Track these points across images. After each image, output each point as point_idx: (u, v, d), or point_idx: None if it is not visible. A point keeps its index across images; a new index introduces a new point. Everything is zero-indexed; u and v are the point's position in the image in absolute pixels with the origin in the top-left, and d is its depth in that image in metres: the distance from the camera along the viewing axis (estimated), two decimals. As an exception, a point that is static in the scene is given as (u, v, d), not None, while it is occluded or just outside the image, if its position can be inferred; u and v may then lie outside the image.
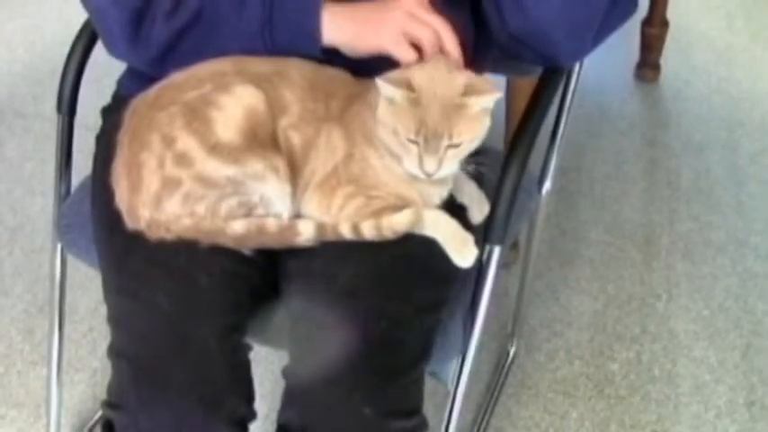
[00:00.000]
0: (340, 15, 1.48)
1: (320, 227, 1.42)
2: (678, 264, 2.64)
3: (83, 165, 1.74)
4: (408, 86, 1.36)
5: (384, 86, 1.36)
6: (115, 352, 1.44)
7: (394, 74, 1.39)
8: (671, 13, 3.36)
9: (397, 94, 1.35)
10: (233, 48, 1.50)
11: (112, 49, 1.59)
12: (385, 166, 1.43)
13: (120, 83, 1.74)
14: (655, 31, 3.38)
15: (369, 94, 1.44)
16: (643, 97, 3.40)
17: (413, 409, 1.44)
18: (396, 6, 1.47)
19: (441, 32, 1.46)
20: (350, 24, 1.48)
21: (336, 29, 1.48)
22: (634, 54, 3.46)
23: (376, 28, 1.47)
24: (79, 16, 1.67)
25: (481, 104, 1.37)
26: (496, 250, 1.55)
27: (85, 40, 1.74)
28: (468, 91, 1.36)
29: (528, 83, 1.70)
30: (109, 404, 1.44)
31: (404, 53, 1.44)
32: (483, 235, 1.53)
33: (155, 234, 1.41)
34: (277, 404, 1.44)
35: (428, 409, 1.47)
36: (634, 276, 2.59)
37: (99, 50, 1.65)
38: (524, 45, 1.55)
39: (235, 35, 1.50)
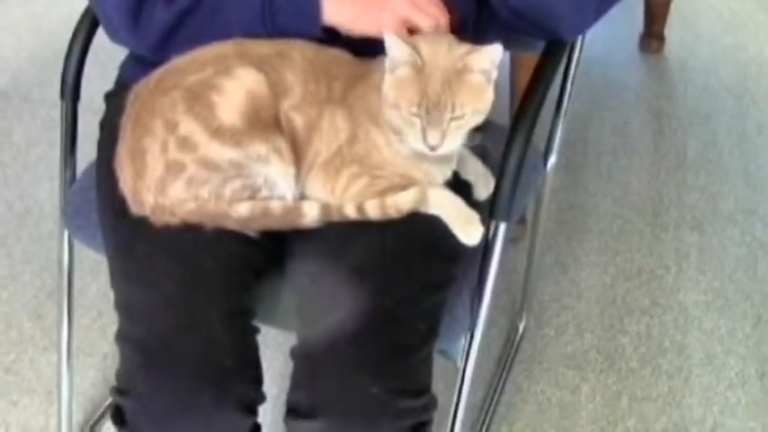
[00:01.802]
0: None
1: (325, 208, 1.42)
2: (687, 235, 2.64)
3: (89, 150, 1.73)
4: (417, 50, 1.35)
5: (395, 42, 1.34)
6: (122, 337, 1.44)
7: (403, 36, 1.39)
8: (675, -17, 3.36)
9: (406, 53, 1.34)
10: (234, 32, 1.49)
11: (113, 35, 1.59)
12: (390, 146, 1.43)
13: (123, 68, 1.73)
14: (659, 0, 3.36)
15: (372, 75, 1.43)
16: (648, 68, 3.38)
17: (421, 388, 1.44)
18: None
19: (440, 23, 1.46)
20: (350, 6, 1.48)
21: (336, 10, 1.47)
22: (638, 25, 3.44)
23: (376, 12, 1.47)
24: (85, 2, 1.67)
25: (481, 62, 1.35)
26: (502, 227, 1.54)
27: (87, 26, 1.72)
28: (468, 52, 1.36)
29: (532, 58, 1.69)
30: (117, 390, 1.44)
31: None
32: (489, 211, 1.53)
33: (159, 219, 1.41)
34: (287, 384, 1.44)
35: (438, 386, 1.47)
36: (643, 248, 2.59)
37: (104, 35, 1.65)
38: (526, 19, 1.54)
39: (235, 19, 1.50)
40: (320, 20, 1.48)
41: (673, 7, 3.39)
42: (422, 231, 1.44)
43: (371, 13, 1.47)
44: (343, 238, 1.43)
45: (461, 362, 1.60)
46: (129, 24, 1.54)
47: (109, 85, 1.74)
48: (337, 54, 1.49)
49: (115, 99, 1.64)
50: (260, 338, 1.48)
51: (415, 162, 1.43)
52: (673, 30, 3.47)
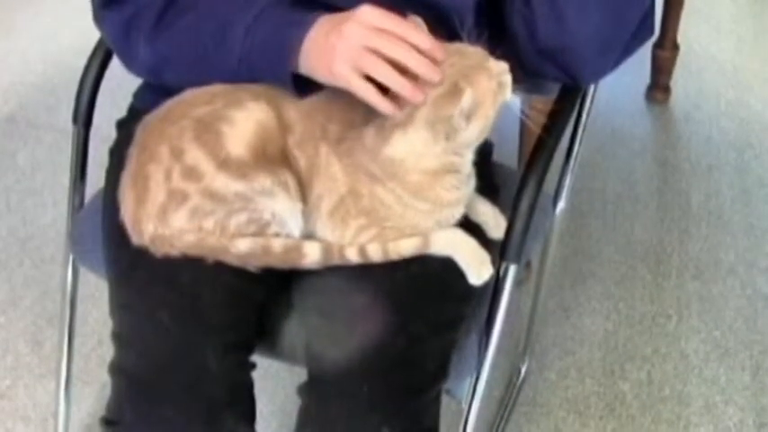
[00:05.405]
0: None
1: (326, 250, 1.41)
2: (689, 284, 2.64)
3: (96, 177, 1.73)
4: None
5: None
6: (115, 367, 1.43)
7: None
8: (681, 37, 3.37)
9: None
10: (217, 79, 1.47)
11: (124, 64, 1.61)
12: (401, 201, 1.41)
13: (137, 95, 1.73)
14: (665, 54, 3.39)
15: (366, 134, 1.40)
16: (654, 119, 3.40)
17: (430, 429, 1.44)
18: (352, 20, 1.34)
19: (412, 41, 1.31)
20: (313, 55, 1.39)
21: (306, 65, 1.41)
22: (645, 76, 3.46)
23: (329, 59, 1.35)
24: (95, 27, 1.67)
25: None
26: (512, 268, 1.54)
27: (103, 51, 1.73)
28: None
29: (542, 101, 1.70)
30: (106, 420, 1.42)
31: (362, 91, 1.33)
32: (499, 253, 1.53)
33: (159, 249, 1.39)
34: (287, 420, 1.43)
35: (441, 425, 1.46)
36: (645, 296, 2.59)
37: (115, 62, 1.65)
38: (550, 60, 1.53)
39: (216, 70, 1.48)
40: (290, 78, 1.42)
41: (679, 61, 3.42)
42: (434, 270, 1.44)
43: (325, 61, 1.36)
44: (354, 276, 1.42)
45: (466, 402, 1.60)
46: (124, 54, 1.57)
47: (118, 113, 1.74)
48: (336, 95, 1.42)
49: (127, 127, 1.62)
50: (260, 373, 1.47)
51: (429, 212, 1.42)
52: (678, 82, 3.49)
